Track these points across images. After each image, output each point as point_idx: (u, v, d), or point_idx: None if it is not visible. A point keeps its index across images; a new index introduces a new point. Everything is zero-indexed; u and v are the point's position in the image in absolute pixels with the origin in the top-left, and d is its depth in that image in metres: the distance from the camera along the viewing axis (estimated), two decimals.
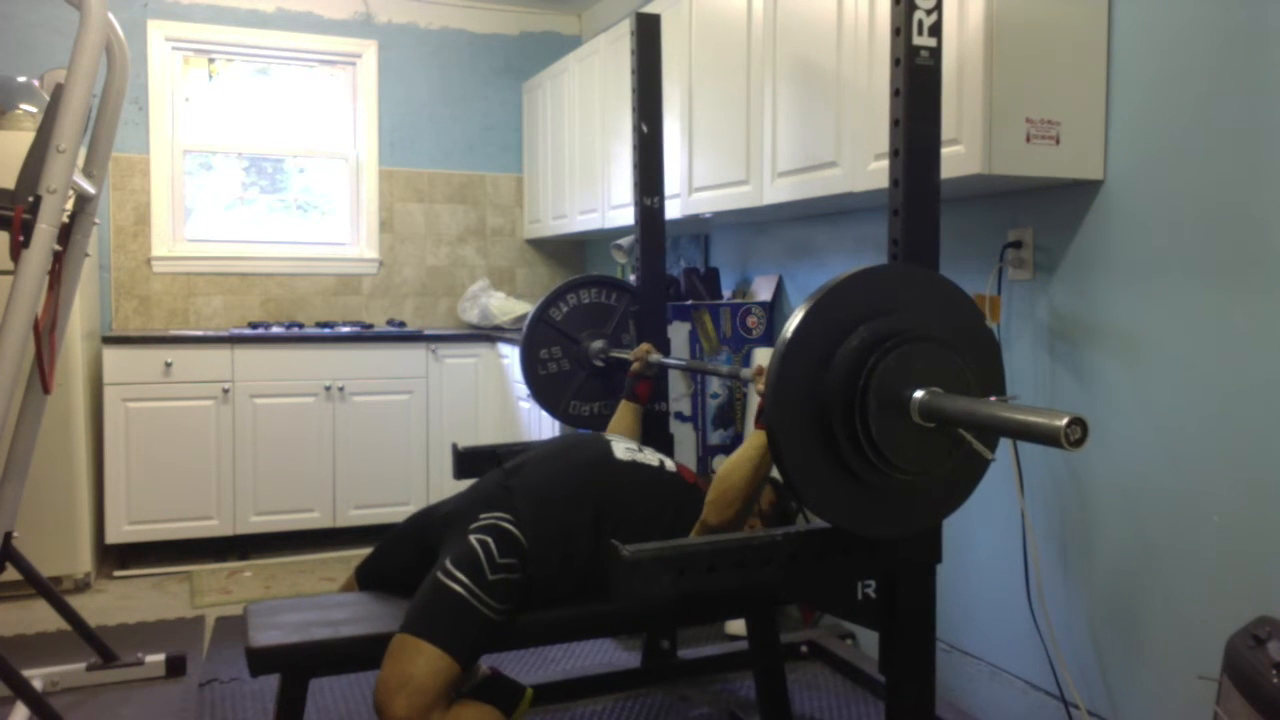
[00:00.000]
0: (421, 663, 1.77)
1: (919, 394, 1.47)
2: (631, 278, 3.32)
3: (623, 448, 2.22)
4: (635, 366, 2.63)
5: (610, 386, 2.84)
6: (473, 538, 1.94)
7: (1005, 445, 2.39)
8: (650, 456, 2.23)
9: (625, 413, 2.62)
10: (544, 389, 2.82)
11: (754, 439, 1.91)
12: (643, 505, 2.09)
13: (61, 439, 3.50)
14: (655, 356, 2.63)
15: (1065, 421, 1.23)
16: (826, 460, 1.51)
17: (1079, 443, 1.23)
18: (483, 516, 1.99)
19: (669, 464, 2.25)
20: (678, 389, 3.19)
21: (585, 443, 2.26)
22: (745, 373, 2.27)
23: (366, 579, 2.23)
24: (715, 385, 3.26)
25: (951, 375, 1.50)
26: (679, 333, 3.18)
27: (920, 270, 1.64)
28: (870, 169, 2.39)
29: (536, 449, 2.27)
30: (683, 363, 2.64)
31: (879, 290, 1.56)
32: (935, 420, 1.46)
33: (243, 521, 4.04)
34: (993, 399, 1.43)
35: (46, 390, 2.43)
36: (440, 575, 1.88)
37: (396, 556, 2.19)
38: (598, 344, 2.83)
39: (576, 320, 2.85)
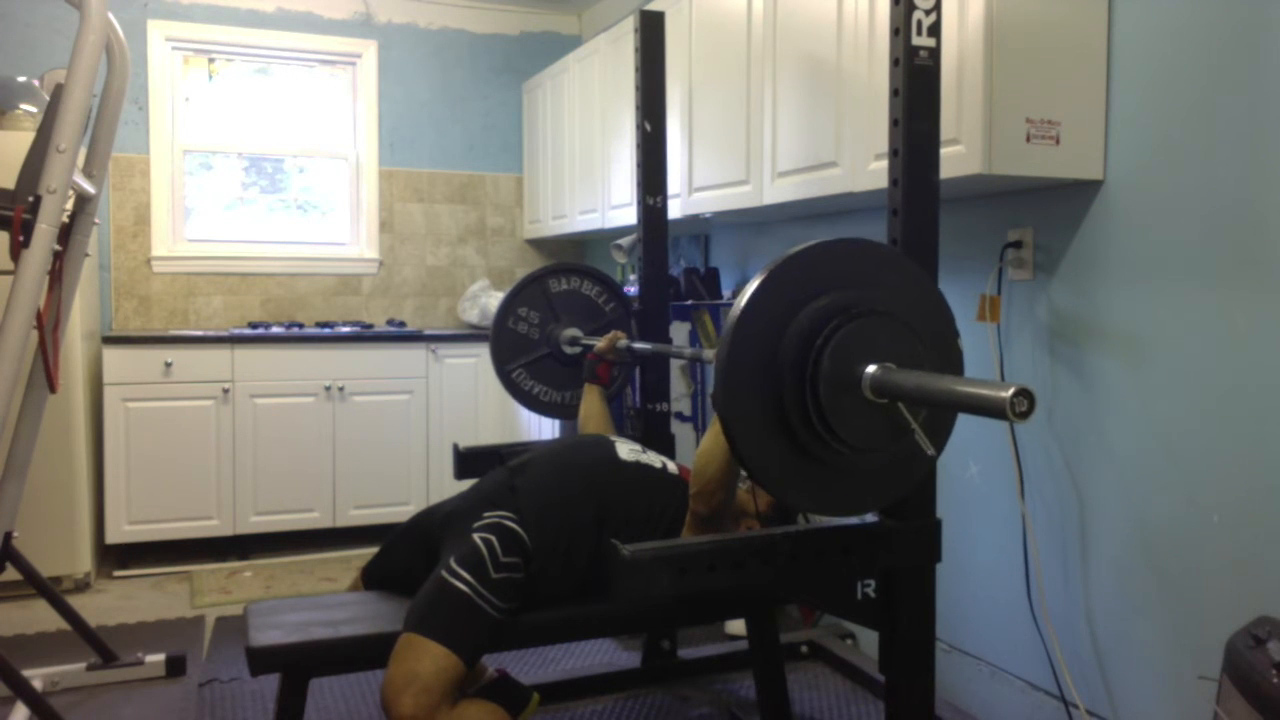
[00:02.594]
0: (427, 661, 1.77)
1: (871, 369, 1.45)
2: (632, 277, 3.32)
3: (627, 449, 2.22)
4: (600, 345, 2.64)
5: (563, 377, 2.84)
6: (476, 536, 1.94)
7: (1006, 445, 2.39)
8: (653, 458, 2.24)
9: (591, 396, 2.65)
10: (502, 340, 2.80)
11: (716, 423, 1.92)
12: (645, 506, 2.09)
13: (61, 439, 3.50)
14: (624, 343, 2.63)
15: (1010, 392, 1.22)
16: (777, 435, 1.48)
17: (1025, 414, 1.22)
18: (486, 515, 1.99)
19: (671, 466, 2.25)
20: (678, 389, 3.19)
21: (590, 443, 2.26)
22: (707, 354, 2.27)
23: (371, 579, 2.23)
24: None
25: (906, 353, 1.48)
26: (679, 333, 3.18)
27: (880, 246, 1.61)
28: (870, 169, 2.39)
29: (540, 448, 2.27)
30: (649, 347, 2.63)
31: (836, 264, 1.53)
32: (886, 395, 1.44)
33: (243, 521, 4.04)
34: (944, 375, 1.41)
35: (53, 389, 2.43)
36: (444, 574, 1.88)
37: (399, 556, 2.19)
38: (571, 331, 2.82)
39: (569, 303, 2.85)
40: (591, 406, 2.65)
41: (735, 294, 3.59)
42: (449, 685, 1.79)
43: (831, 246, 1.54)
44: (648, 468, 2.18)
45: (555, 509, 2.02)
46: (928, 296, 1.60)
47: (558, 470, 2.13)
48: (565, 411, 2.86)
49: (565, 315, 2.84)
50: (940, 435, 1.56)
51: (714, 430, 1.94)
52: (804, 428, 1.47)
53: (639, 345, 2.63)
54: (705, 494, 1.94)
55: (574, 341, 2.81)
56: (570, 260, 5.26)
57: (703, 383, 3.26)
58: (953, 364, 1.61)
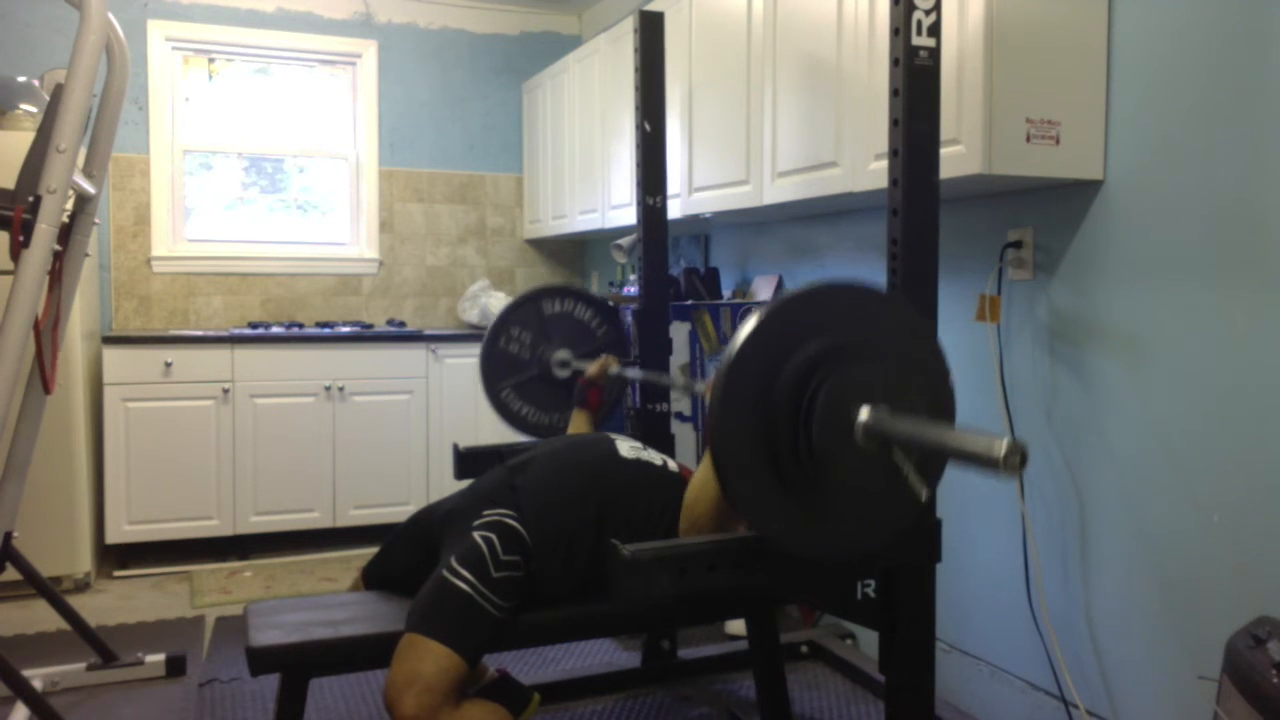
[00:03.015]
0: (430, 661, 1.77)
1: (864, 413, 1.44)
2: (632, 277, 3.31)
3: (627, 446, 2.22)
4: (592, 371, 2.63)
5: (552, 398, 2.83)
6: (477, 535, 1.94)
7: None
8: (654, 456, 2.23)
9: (579, 420, 2.63)
10: (493, 359, 2.79)
11: (708, 459, 1.90)
12: (645, 504, 2.09)
13: (61, 439, 3.50)
14: (615, 369, 2.62)
15: (1004, 448, 1.21)
16: (768, 475, 1.48)
17: (1017, 468, 1.21)
18: (486, 513, 1.99)
19: (671, 464, 2.25)
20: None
21: (591, 442, 2.26)
22: (699, 386, 2.28)
23: (372, 579, 2.23)
24: None
25: (899, 396, 1.47)
26: (679, 333, 3.18)
27: (879, 292, 1.62)
28: (870, 169, 2.39)
29: (541, 447, 2.27)
30: (640, 374, 2.63)
31: (831, 306, 1.54)
32: (879, 440, 1.44)
33: (243, 521, 4.04)
34: (938, 424, 1.39)
35: (48, 390, 2.43)
36: (446, 574, 1.88)
37: (399, 555, 2.19)
38: (562, 354, 2.82)
39: (562, 325, 2.85)
40: (578, 430, 2.64)
41: (735, 294, 3.59)
42: (452, 685, 1.79)
43: (826, 289, 1.55)
44: (648, 465, 2.18)
45: (556, 507, 2.02)
46: (921, 338, 1.60)
47: (558, 468, 2.13)
48: (552, 434, 2.85)
49: (557, 337, 2.84)
50: (933, 476, 1.56)
51: (705, 467, 1.92)
52: (796, 470, 1.47)
53: (630, 373, 2.63)
54: (694, 532, 1.91)
55: (564, 364, 2.81)
56: (570, 261, 5.26)
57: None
58: (945, 404, 1.61)
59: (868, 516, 1.56)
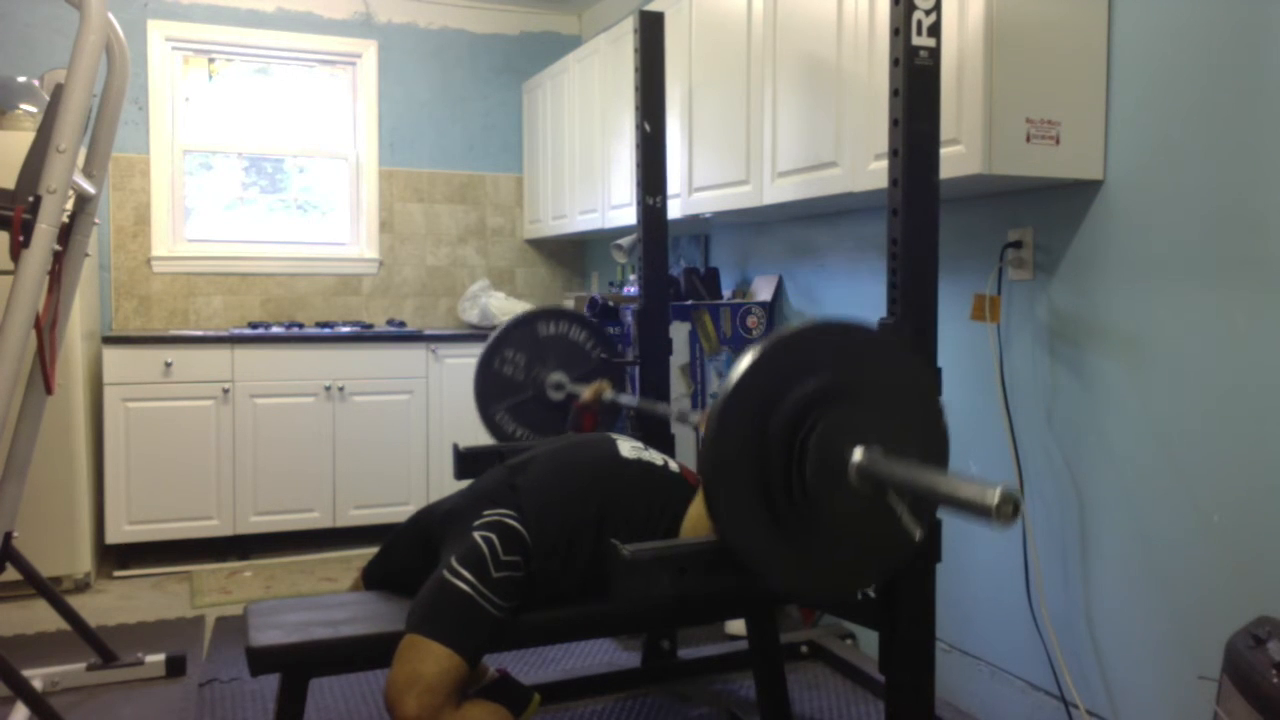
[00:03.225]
0: (431, 662, 1.77)
1: (858, 455, 1.44)
2: (632, 277, 3.30)
3: (628, 446, 2.22)
4: (586, 396, 2.63)
5: (546, 420, 2.83)
6: (477, 535, 1.94)
7: (1006, 445, 2.39)
8: (655, 456, 2.23)
9: None
10: (487, 381, 2.79)
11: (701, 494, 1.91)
12: (645, 505, 2.09)
13: (61, 439, 3.50)
14: (609, 395, 2.62)
15: (996, 498, 1.21)
16: (760, 512, 1.48)
17: (1009, 519, 1.21)
18: (486, 513, 1.99)
19: (672, 464, 2.25)
20: (678, 389, 3.18)
21: (591, 442, 2.26)
22: (693, 417, 2.28)
23: (372, 579, 2.23)
24: (715, 385, 3.26)
25: (892, 436, 1.47)
26: (679, 333, 3.18)
27: (875, 331, 1.62)
28: (870, 169, 2.39)
29: (542, 447, 2.27)
30: (635, 402, 2.63)
31: (831, 345, 1.54)
32: (871, 483, 1.44)
33: (243, 521, 4.04)
34: (931, 469, 1.39)
35: (49, 390, 2.43)
36: (446, 574, 1.88)
37: (399, 556, 2.19)
38: (557, 376, 2.81)
39: (557, 347, 2.85)
40: None
41: (735, 294, 3.59)
42: (453, 685, 1.79)
43: (822, 327, 1.55)
44: (649, 465, 2.18)
45: (556, 506, 2.02)
46: (915, 377, 1.61)
47: (559, 468, 2.13)
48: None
49: (552, 359, 2.84)
50: (926, 517, 1.55)
51: (698, 503, 1.93)
52: (790, 510, 1.47)
53: (624, 398, 2.63)
54: None
55: (559, 387, 2.81)
56: (570, 261, 5.26)
57: (703, 383, 3.26)
58: (938, 444, 1.61)
59: (862, 556, 1.56)
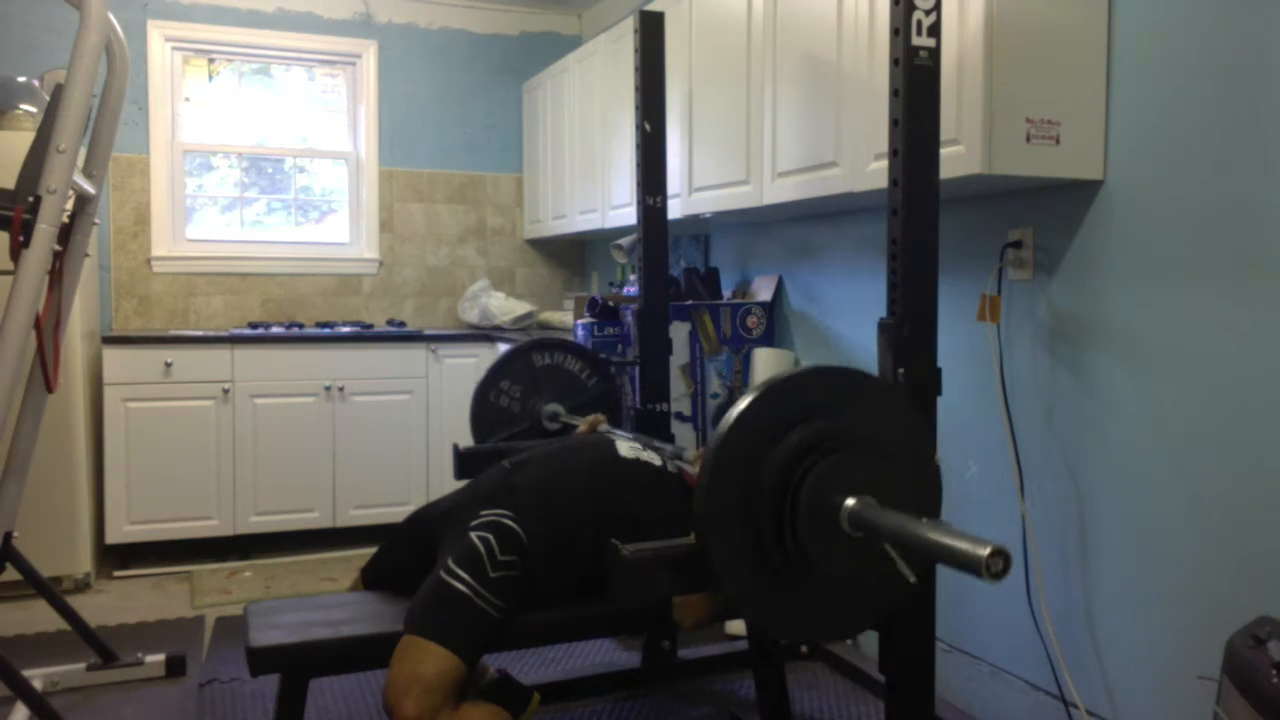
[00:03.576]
0: (429, 663, 1.77)
1: (850, 503, 1.45)
2: (632, 278, 3.31)
3: (627, 446, 2.22)
4: (581, 429, 2.63)
5: None
6: (474, 535, 1.94)
7: (1006, 445, 2.39)
8: (653, 456, 2.23)
9: None
10: (483, 413, 2.80)
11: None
12: (644, 505, 2.09)
13: (61, 439, 3.50)
14: (604, 428, 2.63)
15: (987, 552, 1.22)
16: (753, 557, 1.48)
17: (1000, 574, 1.22)
18: (483, 513, 1.99)
19: (670, 465, 2.25)
20: (678, 389, 3.19)
21: (591, 443, 2.26)
22: (689, 455, 2.28)
23: (371, 579, 2.23)
24: (715, 385, 3.26)
25: (886, 487, 1.48)
26: (679, 333, 3.18)
27: (869, 377, 1.63)
28: (870, 169, 2.39)
29: (541, 447, 2.27)
30: (629, 436, 2.64)
31: (827, 391, 1.55)
32: (864, 531, 1.44)
33: (243, 521, 4.04)
34: (924, 520, 1.39)
35: (50, 389, 2.43)
36: (443, 574, 1.88)
37: (398, 555, 2.19)
38: (553, 407, 2.81)
39: (553, 377, 2.85)
40: None
41: (735, 294, 3.59)
42: (451, 686, 1.79)
43: (816, 374, 1.56)
44: (647, 465, 2.18)
45: (553, 506, 2.02)
46: (907, 422, 1.61)
47: (557, 468, 2.13)
48: None
49: (547, 390, 2.84)
50: (919, 565, 1.56)
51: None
52: (782, 558, 1.47)
53: (619, 434, 2.63)
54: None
55: (554, 417, 2.81)
56: (570, 261, 5.26)
57: (703, 383, 3.26)
58: (931, 490, 1.62)
59: (857, 602, 1.57)
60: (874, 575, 1.49)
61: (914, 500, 1.50)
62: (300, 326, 4.50)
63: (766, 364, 3.18)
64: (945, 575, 2.60)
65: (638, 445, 2.25)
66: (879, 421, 1.56)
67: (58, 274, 2.47)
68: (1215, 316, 1.93)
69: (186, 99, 4.56)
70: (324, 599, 2.12)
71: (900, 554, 1.43)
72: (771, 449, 1.47)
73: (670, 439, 2.78)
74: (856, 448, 1.48)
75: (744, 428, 1.47)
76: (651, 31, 2.77)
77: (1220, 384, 1.92)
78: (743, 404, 1.47)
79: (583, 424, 2.64)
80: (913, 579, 1.45)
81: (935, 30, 1.68)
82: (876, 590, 1.56)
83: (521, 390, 2.81)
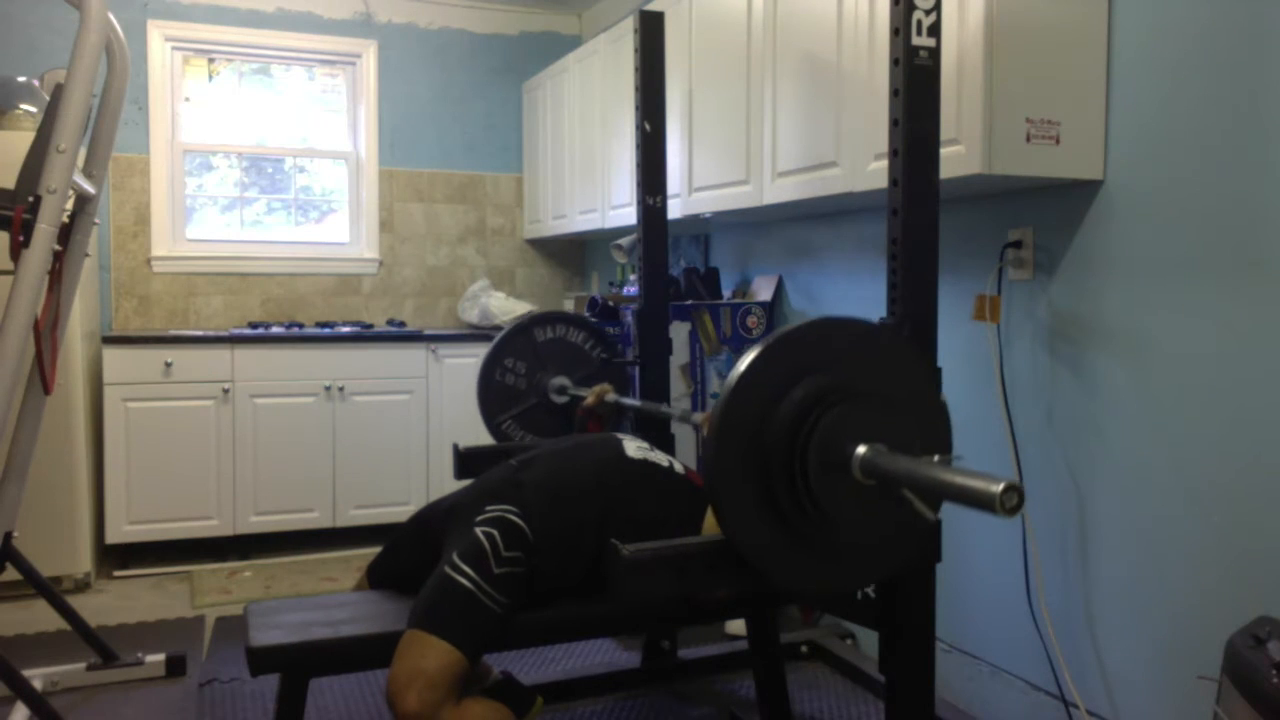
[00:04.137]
0: (432, 658, 1.77)
1: (861, 450, 1.45)
2: (632, 277, 3.30)
3: (634, 446, 2.22)
4: (589, 401, 2.63)
5: (552, 425, 2.83)
6: (479, 530, 1.94)
7: (1006, 445, 2.39)
8: (660, 457, 2.23)
9: None
10: (490, 392, 2.80)
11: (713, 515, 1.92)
12: (649, 505, 2.09)
13: (61, 439, 3.50)
14: (612, 397, 2.63)
15: (1000, 488, 1.23)
16: (765, 512, 1.48)
17: (1014, 509, 1.23)
18: (488, 509, 1.99)
19: (677, 465, 2.25)
20: (678, 389, 3.19)
21: (597, 442, 2.26)
22: (696, 417, 2.28)
23: (377, 578, 2.23)
24: (715, 385, 3.26)
25: (896, 433, 1.48)
26: (679, 333, 3.18)
27: (875, 326, 1.63)
28: (870, 169, 2.39)
29: (547, 445, 2.27)
30: (637, 404, 2.64)
31: (831, 342, 1.54)
32: (876, 478, 1.44)
33: (243, 521, 4.04)
34: (935, 458, 1.40)
35: (47, 390, 2.43)
36: (448, 570, 1.88)
37: (403, 553, 2.19)
38: (560, 380, 2.82)
39: (555, 350, 2.85)
40: None
41: (735, 294, 3.59)
42: (454, 681, 1.79)
43: (822, 325, 1.55)
44: (654, 465, 2.18)
45: (559, 503, 2.02)
46: (914, 370, 1.61)
47: (564, 466, 2.13)
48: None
49: (552, 364, 2.84)
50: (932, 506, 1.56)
51: (710, 521, 1.95)
52: (794, 509, 1.47)
53: (627, 401, 2.64)
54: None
55: (562, 390, 2.81)
56: (570, 261, 5.26)
57: (703, 382, 3.26)
58: (939, 430, 1.61)
59: (871, 551, 1.56)
60: (887, 524, 1.49)
61: (924, 445, 1.51)
62: (300, 326, 4.50)
63: None
64: (946, 575, 2.60)
65: (645, 445, 2.25)
66: (887, 370, 1.56)
67: (57, 274, 2.47)
68: (1215, 316, 1.93)
69: (186, 99, 4.56)
70: (324, 599, 2.12)
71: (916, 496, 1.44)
72: (779, 402, 1.47)
73: (670, 439, 2.78)
74: (865, 396, 1.48)
75: (750, 382, 1.47)
76: (651, 31, 2.77)
77: (1220, 384, 1.92)
78: (747, 359, 1.47)
79: (590, 395, 2.64)
80: (932, 517, 1.45)
81: (935, 30, 1.68)
82: (890, 540, 1.56)
83: (526, 366, 2.81)
